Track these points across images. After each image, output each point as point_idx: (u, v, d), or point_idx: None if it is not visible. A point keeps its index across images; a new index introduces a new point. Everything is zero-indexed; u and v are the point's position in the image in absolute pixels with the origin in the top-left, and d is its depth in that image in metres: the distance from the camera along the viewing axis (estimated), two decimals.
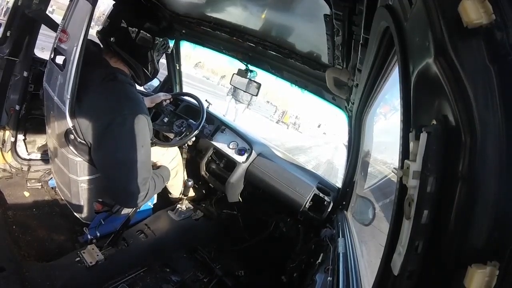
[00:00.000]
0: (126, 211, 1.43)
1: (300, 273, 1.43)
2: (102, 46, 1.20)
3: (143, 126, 1.10)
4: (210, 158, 2.04)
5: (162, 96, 1.89)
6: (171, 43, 1.37)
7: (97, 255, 1.27)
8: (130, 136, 1.07)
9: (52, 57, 1.15)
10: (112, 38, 1.15)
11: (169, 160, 1.79)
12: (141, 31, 1.18)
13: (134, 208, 1.41)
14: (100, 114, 1.05)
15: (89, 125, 1.06)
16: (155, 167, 1.57)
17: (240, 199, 2.00)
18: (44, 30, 1.60)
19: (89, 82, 1.06)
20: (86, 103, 1.06)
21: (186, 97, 2.15)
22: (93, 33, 1.19)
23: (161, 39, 1.27)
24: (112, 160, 1.09)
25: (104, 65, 1.14)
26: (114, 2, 1.24)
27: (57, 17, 1.48)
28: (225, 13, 1.51)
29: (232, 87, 5.88)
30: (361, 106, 1.24)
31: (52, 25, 1.45)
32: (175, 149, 1.87)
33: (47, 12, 1.57)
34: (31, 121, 1.78)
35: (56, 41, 1.12)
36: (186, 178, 1.92)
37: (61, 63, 1.09)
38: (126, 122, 1.05)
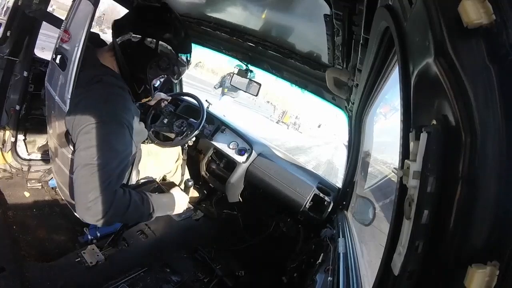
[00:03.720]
0: None
1: (300, 273, 1.43)
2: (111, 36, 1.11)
3: (121, 132, 1.00)
4: (210, 158, 2.04)
5: (162, 95, 1.91)
6: (185, 57, 1.18)
7: (97, 255, 1.27)
8: (103, 142, 0.97)
9: (54, 57, 1.15)
10: (120, 35, 1.07)
11: (169, 163, 1.80)
12: (162, 42, 1.07)
13: None
14: (80, 117, 0.98)
15: (72, 127, 1.01)
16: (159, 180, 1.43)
17: (240, 199, 2.00)
18: (44, 30, 1.60)
19: (76, 83, 1.01)
20: (71, 105, 1.01)
21: (186, 97, 2.15)
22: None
23: (183, 56, 1.15)
24: (77, 163, 0.97)
25: (93, 65, 1.07)
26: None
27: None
28: (225, 13, 1.51)
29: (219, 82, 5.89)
30: (361, 106, 1.24)
31: (55, 22, 1.43)
32: (176, 152, 1.87)
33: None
34: (31, 121, 1.78)
35: (58, 41, 1.12)
36: (186, 178, 1.92)
37: (63, 63, 1.09)
38: (101, 126, 0.97)
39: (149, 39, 1.06)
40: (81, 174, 0.96)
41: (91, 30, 1.03)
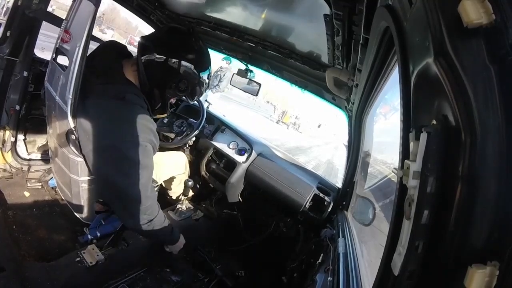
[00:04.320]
0: None
1: (300, 273, 1.43)
2: (137, 49, 1.14)
3: (144, 153, 1.05)
4: (210, 158, 2.04)
5: None
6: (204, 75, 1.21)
7: (97, 255, 1.27)
8: (129, 164, 1.04)
9: (54, 57, 1.15)
10: (146, 52, 1.10)
11: (175, 168, 1.80)
12: (183, 61, 1.11)
13: None
14: (101, 134, 1.02)
15: (88, 140, 1.03)
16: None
17: (240, 199, 2.00)
18: (44, 30, 1.60)
19: (99, 94, 1.03)
20: (90, 113, 1.03)
21: None
22: (94, 33, 1.18)
23: (204, 76, 1.18)
24: (111, 185, 1.07)
25: (118, 79, 1.09)
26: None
27: None
28: (225, 13, 1.51)
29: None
30: (361, 106, 1.24)
31: (56, 21, 1.43)
32: (184, 157, 1.89)
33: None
34: (31, 121, 1.78)
35: (58, 41, 1.12)
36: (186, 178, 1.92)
37: (63, 63, 1.09)
38: (126, 149, 1.02)
39: (173, 60, 1.09)
40: (119, 195, 1.09)
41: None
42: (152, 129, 1.09)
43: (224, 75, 5.81)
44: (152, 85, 1.13)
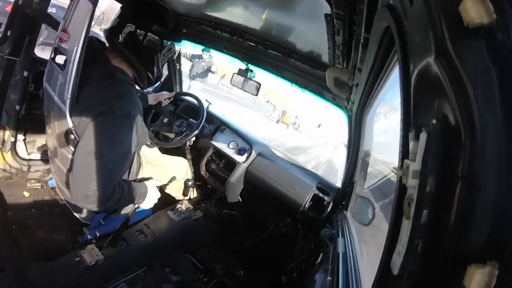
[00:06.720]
0: (125, 211, 1.43)
1: (300, 273, 1.43)
2: (107, 45, 1.20)
3: (129, 126, 1.05)
4: (210, 158, 2.04)
5: (165, 94, 1.93)
6: (178, 46, 1.36)
7: (97, 255, 1.27)
8: (111, 133, 1.03)
9: (52, 56, 1.15)
10: (119, 39, 1.15)
11: (176, 173, 1.80)
12: (149, 33, 1.18)
13: (134, 208, 1.41)
14: (91, 109, 1.02)
15: (80, 121, 1.04)
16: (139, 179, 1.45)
17: (240, 199, 2.00)
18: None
19: (86, 80, 1.04)
20: (81, 100, 1.04)
21: (186, 97, 2.15)
22: (93, 33, 1.19)
23: (168, 43, 1.27)
24: (83, 151, 1.01)
25: (104, 63, 1.12)
26: (122, 4, 1.24)
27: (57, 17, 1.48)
28: (225, 13, 1.51)
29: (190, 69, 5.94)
30: (361, 105, 1.24)
31: (53, 24, 1.45)
32: (185, 163, 1.90)
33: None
34: (31, 121, 1.78)
35: (57, 40, 1.12)
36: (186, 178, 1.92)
37: (62, 62, 1.09)
38: (111, 117, 1.01)
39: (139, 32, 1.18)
40: (85, 162, 1.01)
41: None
42: (140, 105, 1.14)
43: (205, 66, 5.80)
44: (145, 64, 1.20)
